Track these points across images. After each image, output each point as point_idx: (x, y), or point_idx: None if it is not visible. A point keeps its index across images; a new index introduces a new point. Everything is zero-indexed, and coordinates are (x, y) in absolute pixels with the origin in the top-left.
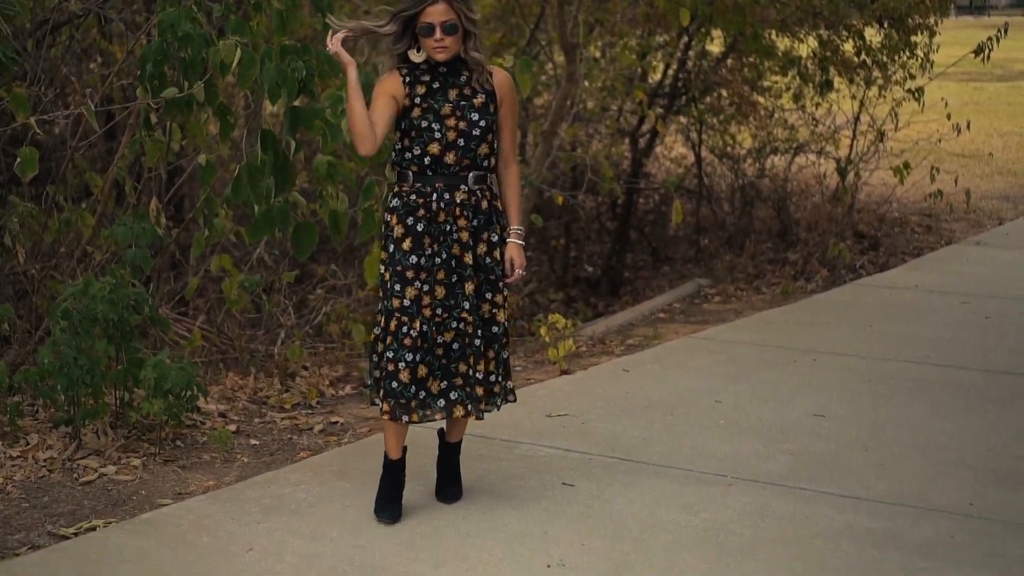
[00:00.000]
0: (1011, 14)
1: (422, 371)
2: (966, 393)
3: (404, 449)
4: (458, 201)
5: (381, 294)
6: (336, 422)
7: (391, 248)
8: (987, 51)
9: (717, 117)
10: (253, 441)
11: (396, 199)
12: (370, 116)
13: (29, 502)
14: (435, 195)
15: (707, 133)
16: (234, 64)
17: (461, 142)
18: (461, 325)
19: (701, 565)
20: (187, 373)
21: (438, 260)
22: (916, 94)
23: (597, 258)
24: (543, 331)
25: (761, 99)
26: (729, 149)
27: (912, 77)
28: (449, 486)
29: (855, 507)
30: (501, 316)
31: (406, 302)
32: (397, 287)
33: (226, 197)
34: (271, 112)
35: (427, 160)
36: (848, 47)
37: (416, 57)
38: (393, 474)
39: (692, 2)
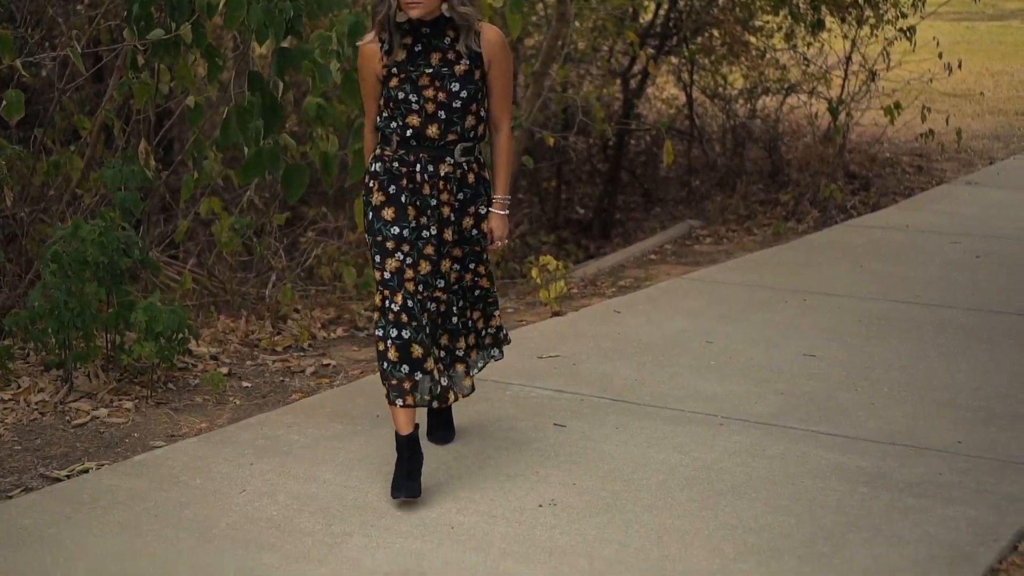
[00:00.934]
0: None
1: (416, 351)
2: (956, 333)
3: (417, 425)
4: (442, 174)
5: (382, 265)
6: (328, 364)
7: (370, 216)
8: None
9: (709, 57)
10: (245, 383)
11: (378, 163)
12: (364, 105)
13: (22, 445)
14: (419, 166)
15: (699, 74)
16: (221, 5)
17: (442, 114)
18: (434, 306)
19: (692, 504)
20: (178, 316)
21: (425, 234)
22: (908, 33)
23: (588, 200)
24: (534, 273)
25: (753, 39)
26: (721, 90)
27: (904, 16)
28: (441, 428)
29: (845, 446)
30: (485, 283)
31: (387, 275)
32: (377, 259)
33: (215, 139)
34: (259, 54)
35: (408, 132)
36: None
37: (399, 16)
38: (405, 450)
39: None
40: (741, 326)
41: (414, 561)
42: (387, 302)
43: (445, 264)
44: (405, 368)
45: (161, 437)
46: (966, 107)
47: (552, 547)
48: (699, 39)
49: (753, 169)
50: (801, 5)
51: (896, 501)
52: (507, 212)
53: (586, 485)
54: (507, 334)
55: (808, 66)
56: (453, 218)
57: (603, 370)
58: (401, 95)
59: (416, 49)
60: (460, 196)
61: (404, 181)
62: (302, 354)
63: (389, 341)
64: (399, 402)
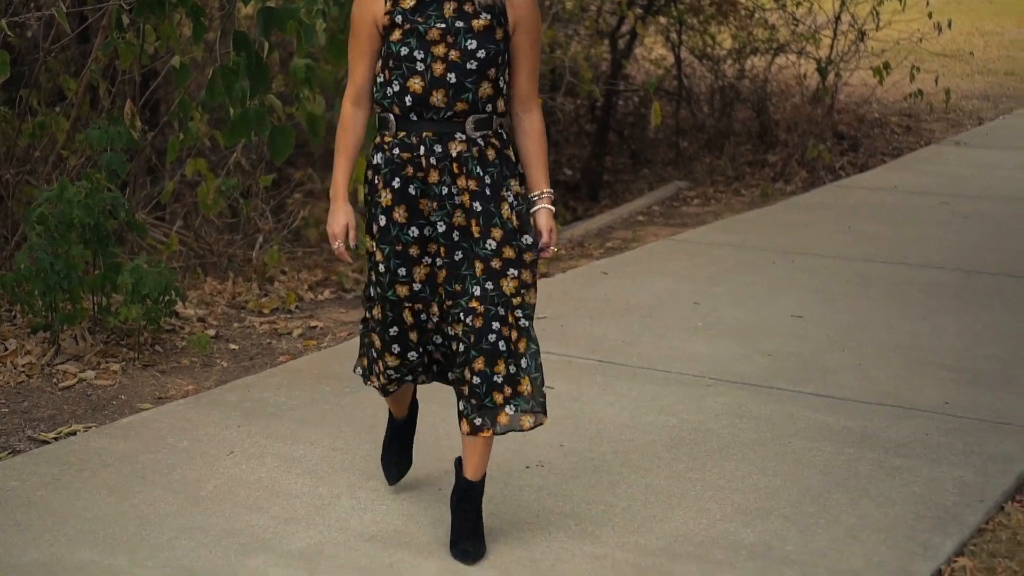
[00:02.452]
0: None
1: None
2: (943, 293)
3: (414, 405)
4: (454, 154)
5: (372, 278)
6: (315, 326)
7: (382, 220)
8: None
9: (697, 17)
10: (232, 346)
11: (379, 153)
12: (351, 66)
13: (8, 407)
14: (423, 148)
15: (687, 34)
16: None
17: (452, 78)
18: (469, 319)
19: (679, 465)
20: (165, 278)
21: (434, 234)
22: None
23: (576, 161)
24: None
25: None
26: (709, 50)
27: None
28: (467, 539)
29: (832, 407)
30: (532, 298)
31: (416, 286)
32: (402, 271)
33: (201, 100)
34: (245, 14)
35: (408, 100)
36: None
37: None
38: (397, 430)
39: None
40: (728, 287)
41: (402, 522)
42: (415, 320)
43: (478, 266)
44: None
45: (148, 399)
46: (955, 67)
47: (539, 508)
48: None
49: (741, 130)
50: None
51: (883, 461)
52: (554, 209)
53: (573, 447)
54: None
55: (797, 26)
56: (479, 207)
57: (590, 332)
58: (405, 51)
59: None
60: (487, 179)
61: (409, 169)
62: (289, 316)
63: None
64: (391, 388)
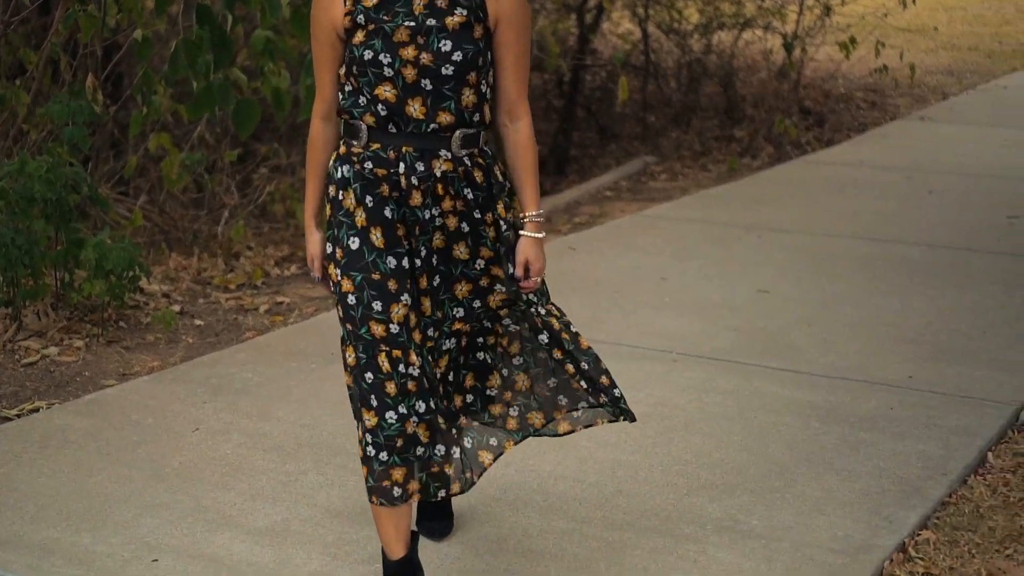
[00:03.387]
0: None
1: (425, 434)
2: (908, 268)
3: (413, 536)
4: (438, 174)
5: (340, 313)
6: (282, 302)
7: (353, 242)
8: None
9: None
10: (198, 322)
11: (345, 165)
12: (316, 77)
13: None
14: (402, 165)
15: (654, 8)
16: None
17: (427, 84)
18: (451, 342)
19: (646, 440)
20: (129, 253)
21: (417, 261)
22: None
23: (544, 136)
24: None
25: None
26: (676, 25)
27: None
28: (435, 517)
29: (797, 382)
30: (556, 324)
31: (393, 327)
32: (378, 305)
33: (164, 74)
34: None
35: (381, 109)
36: None
37: None
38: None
39: None
40: (695, 263)
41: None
42: (401, 365)
43: (461, 288)
44: (419, 449)
45: (113, 376)
46: (920, 42)
47: (507, 484)
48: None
49: (708, 105)
50: None
51: (848, 436)
52: (543, 236)
53: None
54: (623, 400)
55: (763, 1)
56: (466, 227)
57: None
58: (369, 54)
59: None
60: (472, 198)
61: (384, 188)
62: (255, 292)
63: (391, 432)
64: (401, 497)
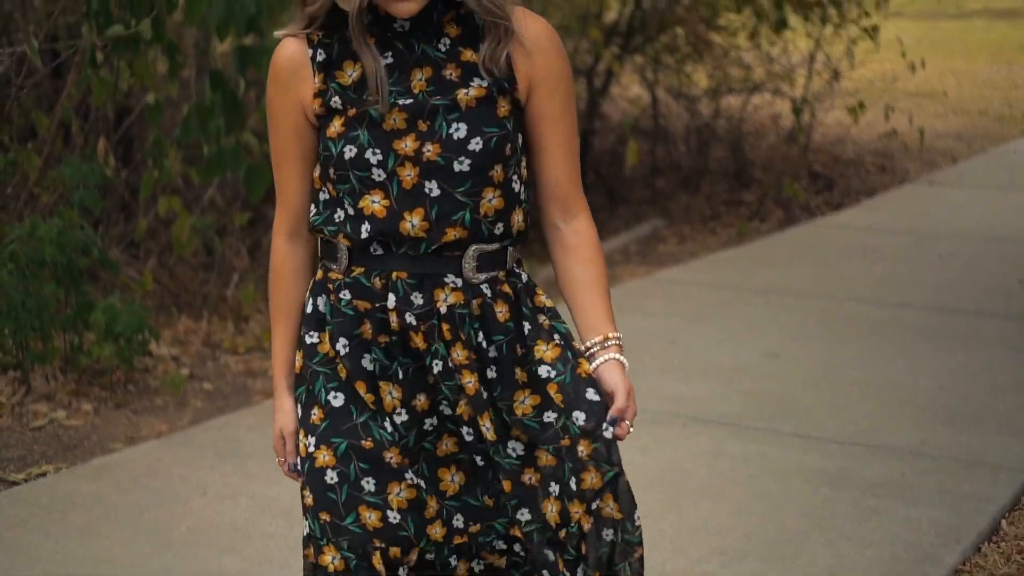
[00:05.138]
0: None
1: None
2: (918, 333)
3: None
4: (443, 310)
5: (310, 499)
6: None
7: (335, 399)
8: None
9: (673, 56)
10: (206, 385)
11: (320, 296)
12: (277, 179)
13: None
14: (393, 297)
15: (663, 73)
16: (182, 0)
17: (433, 188)
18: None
19: (656, 505)
20: (138, 316)
21: (429, 422)
22: (871, 32)
23: None
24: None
25: (717, 38)
26: (685, 89)
27: (867, 15)
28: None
29: (808, 447)
30: (616, 513)
31: (392, 515)
32: (371, 484)
33: (176, 137)
34: (221, 51)
35: (365, 228)
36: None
37: (345, 3)
38: None
39: None
40: (705, 326)
41: None
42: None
43: (506, 482)
44: None
45: (120, 440)
46: (929, 107)
47: None
48: (663, 38)
49: (717, 169)
50: (765, 3)
51: (859, 502)
52: (625, 362)
53: None
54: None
55: (772, 65)
56: (486, 393)
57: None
58: (352, 151)
59: (384, 60)
60: (492, 349)
61: (369, 328)
62: (264, 355)
63: None
64: None
